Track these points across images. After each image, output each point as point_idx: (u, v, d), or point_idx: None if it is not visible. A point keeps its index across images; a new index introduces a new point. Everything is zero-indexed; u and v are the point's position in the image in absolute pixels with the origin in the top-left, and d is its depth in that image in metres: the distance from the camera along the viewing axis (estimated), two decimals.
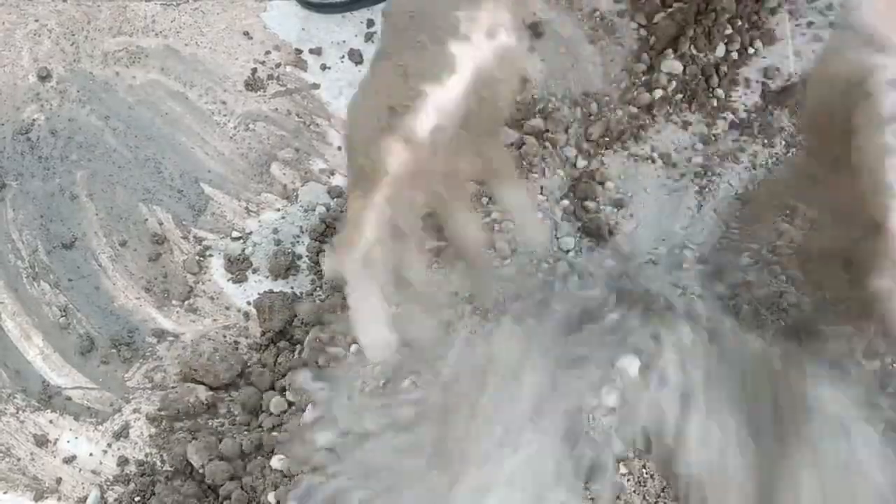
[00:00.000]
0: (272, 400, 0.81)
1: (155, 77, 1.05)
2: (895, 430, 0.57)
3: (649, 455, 0.61)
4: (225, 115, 1.02)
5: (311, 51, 1.06)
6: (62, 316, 0.90)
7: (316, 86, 1.04)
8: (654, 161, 0.94)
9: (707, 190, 0.91)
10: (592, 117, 0.96)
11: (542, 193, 0.90)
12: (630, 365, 0.61)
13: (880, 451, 0.55)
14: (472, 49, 0.51)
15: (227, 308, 0.91)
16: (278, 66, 1.06)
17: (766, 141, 0.94)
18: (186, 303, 0.91)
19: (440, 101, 0.50)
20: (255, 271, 0.93)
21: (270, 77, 1.05)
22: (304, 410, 0.79)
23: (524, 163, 0.91)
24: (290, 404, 0.81)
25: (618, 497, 0.68)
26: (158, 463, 0.82)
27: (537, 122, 0.95)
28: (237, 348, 0.88)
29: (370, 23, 1.08)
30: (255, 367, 0.85)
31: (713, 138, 0.95)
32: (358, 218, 0.51)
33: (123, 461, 0.82)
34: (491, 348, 0.63)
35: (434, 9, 0.51)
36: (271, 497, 0.75)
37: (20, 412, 0.85)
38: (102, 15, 1.10)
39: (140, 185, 0.98)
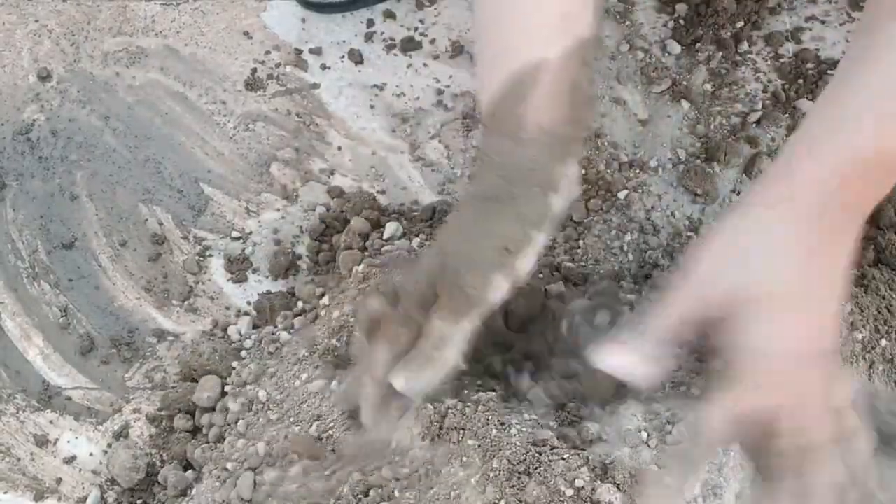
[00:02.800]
0: None
1: (155, 77, 1.05)
2: None
3: None
4: (225, 115, 1.02)
5: (311, 51, 1.06)
6: (62, 316, 0.90)
7: (316, 86, 1.04)
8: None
9: None
10: None
11: None
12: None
13: None
14: (563, 200, 0.59)
15: (227, 308, 0.91)
16: (278, 65, 1.06)
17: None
18: (186, 303, 0.91)
19: (541, 248, 0.59)
20: (255, 271, 0.93)
21: (270, 77, 1.05)
22: None
23: None
24: None
25: None
26: (158, 463, 0.82)
27: None
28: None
29: (370, 23, 1.08)
30: None
31: None
32: (443, 337, 0.59)
33: None
34: None
35: (528, 164, 0.58)
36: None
37: (20, 412, 0.85)
38: (102, 15, 1.10)
39: (140, 185, 0.98)
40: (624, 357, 0.57)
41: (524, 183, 0.57)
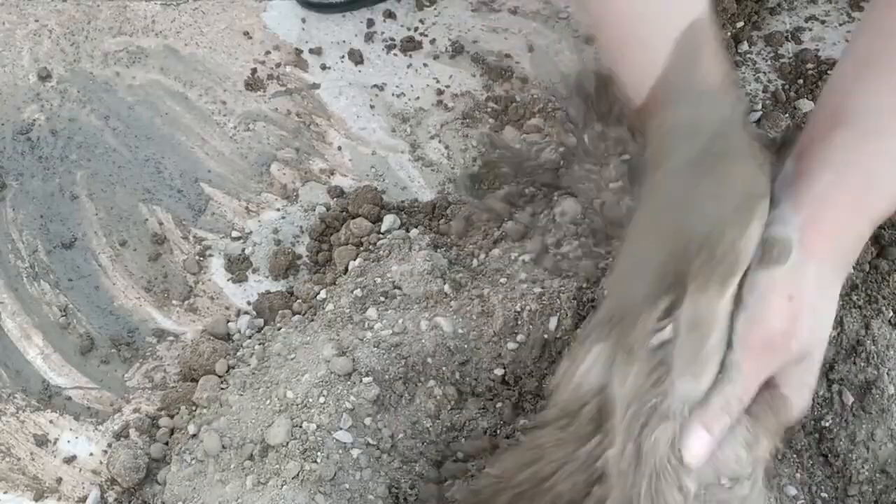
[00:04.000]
0: None
1: (155, 77, 1.05)
2: None
3: None
4: (225, 115, 1.03)
5: (311, 51, 1.06)
6: (62, 316, 0.90)
7: (316, 86, 1.04)
8: None
9: None
10: None
11: None
12: None
13: None
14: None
15: (227, 308, 0.91)
16: (278, 65, 1.06)
17: None
18: (186, 303, 0.91)
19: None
20: (255, 271, 0.93)
21: (270, 77, 1.05)
22: None
23: None
24: None
25: None
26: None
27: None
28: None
29: (370, 23, 1.08)
30: None
31: None
32: (716, 309, 0.54)
33: None
34: None
35: (724, 120, 0.57)
36: None
37: (20, 412, 0.85)
38: (102, 15, 1.10)
39: (140, 185, 0.98)
40: (711, 444, 0.56)
41: (730, 143, 0.55)
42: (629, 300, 0.56)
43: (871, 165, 0.57)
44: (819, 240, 0.57)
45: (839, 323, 0.80)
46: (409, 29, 1.08)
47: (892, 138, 0.57)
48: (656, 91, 0.57)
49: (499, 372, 0.80)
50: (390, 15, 1.08)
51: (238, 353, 0.85)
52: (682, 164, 0.56)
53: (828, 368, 0.78)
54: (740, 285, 0.56)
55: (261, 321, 0.88)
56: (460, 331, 0.80)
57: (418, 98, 1.03)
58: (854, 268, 0.82)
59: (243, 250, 0.94)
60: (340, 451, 0.73)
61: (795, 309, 0.57)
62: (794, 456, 0.75)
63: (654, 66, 0.56)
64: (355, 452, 0.74)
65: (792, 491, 0.74)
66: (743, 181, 0.54)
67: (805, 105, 0.97)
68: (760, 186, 0.55)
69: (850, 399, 0.77)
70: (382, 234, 0.90)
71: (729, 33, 1.02)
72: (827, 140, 0.59)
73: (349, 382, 0.76)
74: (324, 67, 1.05)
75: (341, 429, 0.74)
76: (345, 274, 0.88)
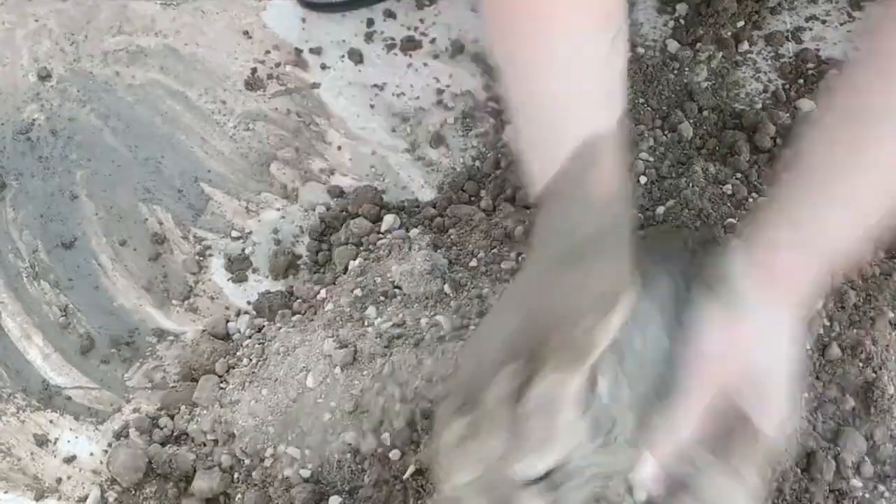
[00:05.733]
0: None
1: (155, 76, 1.05)
2: None
3: None
4: (225, 115, 1.02)
5: (311, 50, 1.06)
6: (62, 315, 0.90)
7: (316, 85, 1.04)
8: None
9: None
10: None
11: None
12: None
13: None
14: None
15: (227, 308, 0.91)
16: (278, 65, 1.06)
17: None
18: (186, 302, 0.91)
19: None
20: (255, 271, 0.93)
21: (270, 76, 1.05)
22: None
23: None
24: None
25: None
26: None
27: None
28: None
29: (370, 22, 1.08)
30: None
31: None
32: (557, 400, 0.55)
33: None
34: None
35: (603, 229, 0.59)
36: None
37: (20, 412, 0.85)
38: (102, 15, 1.10)
39: (140, 184, 0.98)
40: (656, 466, 0.58)
41: (600, 246, 0.58)
42: (479, 369, 0.57)
43: (823, 211, 0.60)
44: (766, 276, 0.60)
45: (839, 324, 0.80)
46: (409, 28, 1.08)
47: (840, 186, 0.59)
48: (548, 188, 0.60)
49: None
50: (390, 14, 1.08)
51: (238, 353, 0.85)
52: (552, 255, 0.59)
53: (827, 368, 0.79)
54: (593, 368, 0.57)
55: (261, 321, 0.88)
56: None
57: (418, 98, 1.03)
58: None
59: (243, 250, 0.94)
60: None
61: (733, 332, 0.60)
62: None
63: (554, 165, 0.59)
64: None
65: None
66: (608, 277, 0.57)
67: (805, 105, 0.97)
68: (624, 285, 0.57)
69: (850, 400, 0.77)
70: (382, 234, 0.90)
71: (729, 33, 1.02)
72: (783, 185, 0.62)
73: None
74: (324, 67, 1.05)
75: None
76: (345, 274, 0.88)
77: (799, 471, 0.74)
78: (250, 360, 0.83)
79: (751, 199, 0.88)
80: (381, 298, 0.83)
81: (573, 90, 0.59)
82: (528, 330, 0.56)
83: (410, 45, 1.06)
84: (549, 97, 0.60)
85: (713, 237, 0.78)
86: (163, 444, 0.81)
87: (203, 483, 0.77)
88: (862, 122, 0.58)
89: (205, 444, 0.80)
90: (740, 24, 1.03)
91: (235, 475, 0.78)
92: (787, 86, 0.99)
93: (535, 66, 0.60)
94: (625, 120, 0.61)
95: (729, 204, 0.87)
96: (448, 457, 0.56)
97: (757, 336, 0.60)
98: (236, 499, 0.77)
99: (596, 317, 0.55)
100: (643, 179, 0.90)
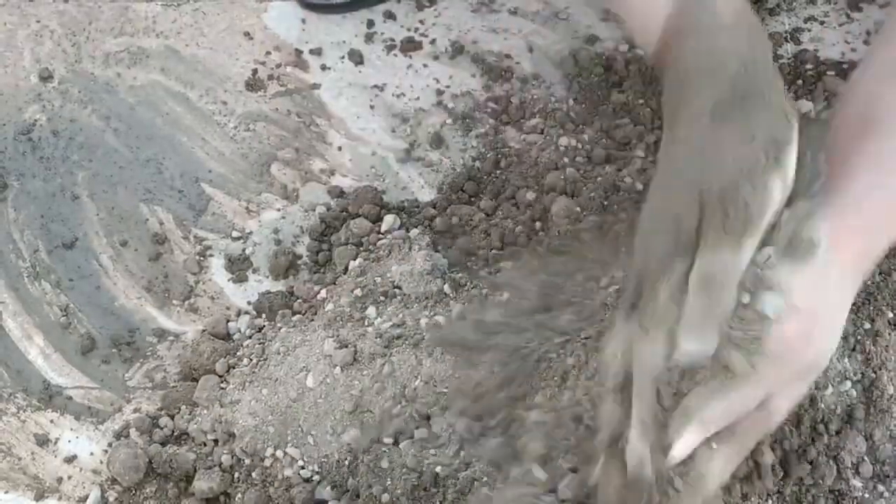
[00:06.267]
0: None
1: (156, 78, 1.05)
2: None
3: None
4: (225, 116, 1.03)
5: (311, 51, 1.07)
6: (63, 316, 0.90)
7: (316, 86, 1.04)
8: None
9: None
10: None
11: None
12: None
13: None
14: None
15: (228, 308, 0.91)
16: (279, 66, 1.06)
17: None
18: (187, 302, 0.91)
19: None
20: (255, 271, 0.93)
21: (271, 77, 1.05)
22: None
23: None
24: None
25: None
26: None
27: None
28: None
29: (370, 23, 1.08)
30: None
31: None
32: (725, 269, 0.51)
33: None
34: None
35: (746, 55, 0.54)
36: None
37: (21, 412, 0.85)
38: (104, 16, 1.10)
39: (141, 185, 0.98)
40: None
41: (749, 83, 0.53)
42: (648, 263, 0.53)
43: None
44: (847, 244, 0.55)
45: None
46: (409, 29, 1.08)
47: None
48: (668, 32, 0.55)
49: None
50: (390, 15, 1.08)
51: (238, 353, 0.85)
52: (703, 108, 0.53)
53: (827, 368, 0.79)
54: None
55: (261, 321, 0.89)
56: None
57: (418, 98, 1.03)
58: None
59: (243, 250, 0.94)
60: None
61: (813, 315, 0.55)
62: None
63: (665, 4, 0.54)
64: None
65: None
66: (767, 127, 0.51)
67: (804, 106, 0.97)
68: (786, 133, 0.52)
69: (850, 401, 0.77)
70: (382, 234, 0.90)
71: None
72: (861, 146, 0.58)
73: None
74: (324, 68, 1.06)
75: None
76: (345, 274, 0.88)
77: (803, 476, 0.73)
78: (250, 360, 0.83)
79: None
80: (381, 298, 0.83)
81: None
82: (691, 213, 0.52)
83: (410, 45, 1.06)
84: None
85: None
86: (163, 444, 0.81)
87: (203, 483, 0.77)
88: None
89: (205, 444, 0.80)
90: None
91: (235, 475, 0.78)
92: (786, 86, 0.99)
93: None
94: None
95: None
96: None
97: (831, 317, 0.57)
98: (236, 499, 0.77)
99: (752, 187, 0.50)
100: (643, 179, 0.91)
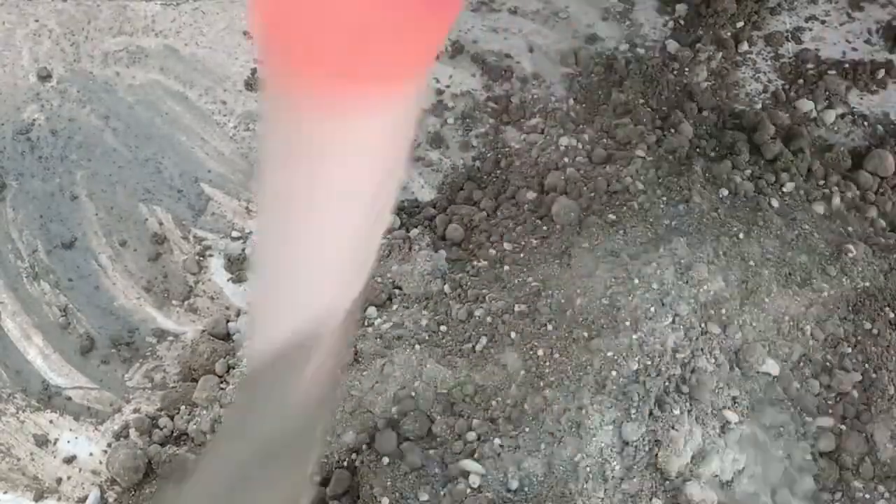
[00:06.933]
0: None
1: (155, 77, 1.05)
2: None
3: None
4: (225, 115, 1.03)
5: None
6: (62, 316, 0.90)
7: None
8: None
9: None
10: None
11: None
12: None
13: None
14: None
15: (227, 308, 0.91)
16: None
17: None
18: (186, 303, 0.91)
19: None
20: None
21: None
22: None
23: None
24: None
25: None
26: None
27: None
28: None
29: None
30: None
31: None
32: None
33: None
34: None
35: (292, 433, 0.58)
36: None
37: (20, 412, 0.85)
38: (103, 15, 1.10)
39: (140, 185, 0.98)
40: None
41: (289, 451, 0.58)
42: None
43: None
44: None
45: (839, 322, 0.80)
46: None
47: None
48: (261, 368, 0.57)
49: None
50: None
51: (238, 353, 0.85)
52: (244, 448, 0.57)
53: (828, 369, 0.79)
54: None
55: None
56: None
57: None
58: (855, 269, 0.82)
59: (243, 250, 0.94)
60: None
61: None
62: None
63: (284, 334, 0.55)
64: None
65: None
66: (287, 485, 0.58)
67: (805, 105, 0.97)
68: (301, 493, 0.60)
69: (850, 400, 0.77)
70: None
71: (729, 33, 1.02)
72: None
73: None
74: None
75: None
76: None
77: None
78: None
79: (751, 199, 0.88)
80: (382, 298, 0.83)
81: (315, 272, 0.55)
82: None
83: None
84: (305, 262, 0.55)
85: None
86: (162, 445, 0.81)
87: None
88: None
89: (204, 444, 0.80)
90: (740, 24, 1.03)
91: None
92: (787, 86, 0.99)
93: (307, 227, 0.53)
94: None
95: (728, 203, 0.87)
96: None
97: None
98: None
99: None
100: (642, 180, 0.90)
